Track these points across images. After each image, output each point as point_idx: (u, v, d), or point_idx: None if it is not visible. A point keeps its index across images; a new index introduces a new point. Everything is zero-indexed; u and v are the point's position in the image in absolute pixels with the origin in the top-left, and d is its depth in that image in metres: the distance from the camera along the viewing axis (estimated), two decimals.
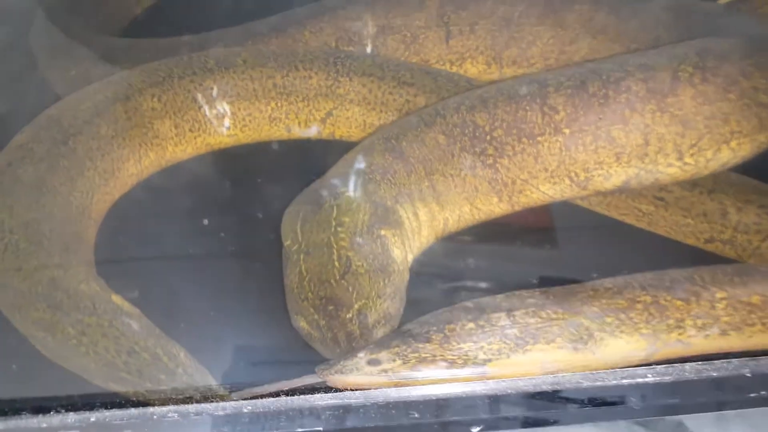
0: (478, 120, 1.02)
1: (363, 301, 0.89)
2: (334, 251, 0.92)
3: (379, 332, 0.89)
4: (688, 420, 1.04)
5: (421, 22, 1.34)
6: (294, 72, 1.24)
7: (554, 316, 0.82)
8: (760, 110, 0.97)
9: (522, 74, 1.28)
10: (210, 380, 0.89)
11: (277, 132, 1.29)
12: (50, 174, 1.06)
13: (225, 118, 1.25)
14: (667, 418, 1.06)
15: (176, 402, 0.82)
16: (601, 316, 0.82)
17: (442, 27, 1.33)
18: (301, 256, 0.93)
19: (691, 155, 0.98)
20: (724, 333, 0.82)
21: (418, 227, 1.04)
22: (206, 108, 1.23)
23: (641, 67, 0.97)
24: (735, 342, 0.83)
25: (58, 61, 1.37)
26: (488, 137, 1.01)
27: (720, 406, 0.84)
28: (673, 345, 0.82)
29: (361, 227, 0.95)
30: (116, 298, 0.95)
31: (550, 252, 1.13)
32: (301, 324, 0.91)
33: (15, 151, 1.08)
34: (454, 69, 1.33)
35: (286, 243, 0.97)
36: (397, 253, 0.97)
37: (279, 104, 1.25)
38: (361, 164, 1.04)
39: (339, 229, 0.94)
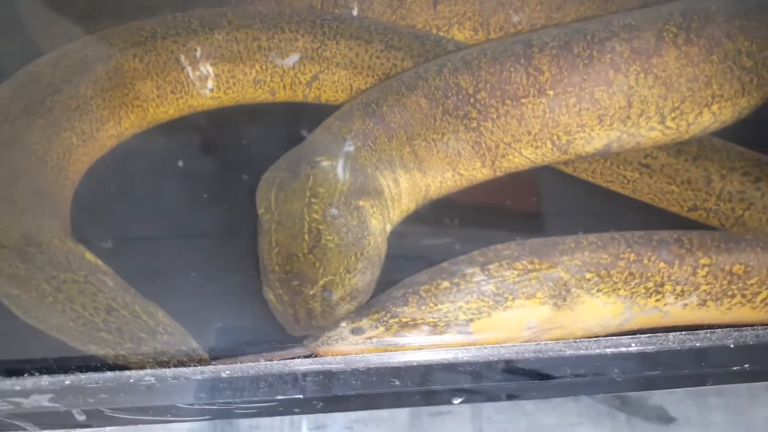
0: (462, 82, 0.99)
1: (330, 277, 0.86)
2: (305, 223, 0.89)
3: (344, 309, 0.87)
4: (671, 407, 1.04)
5: None
6: (280, 34, 1.20)
7: (530, 267, 0.79)
8: (742, 74, 0.96)
9: None
10: (191, 341, 0.87)
11: (262, 95, 1.25)
12: (26, 132, 1.03)
13: (208, 79, 1.21)
14: (650, 404, 1.06)
15: (158, 366, 0.81)
16: (581, 270, 0.80)
17: None
18: (273, 226, 0.90)
19: (673, 119, 0.97)
20: (702, 303, 0.81)
21: (399, 195, 1.02)
22: (189, 69, 1.19)
23: (626, 27, 0.95)
24: (713, 314, 0.82)
25: (43, 17, 1.34)
26: (472, 100, 0.99)
27: (703, 380, 0.84)
28: (650, 312, 0.81)
29: (337, 198, 0.92)
30: (90, 256, 0.93)
31: (531, 219, 1.12)
32: (269, 296, 0.88)
33: None
34: (441, 34, 1.31)
35: (260, 211, 0.94)
36: (374, 224, 0.94)
37: (264, 67, 1.22)
38: (340, 130, 1.01)
39: (313, 200, 0.91)
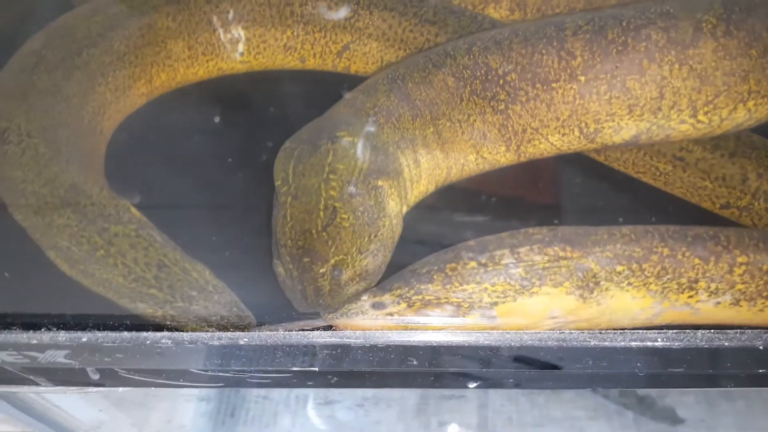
0: (491, 62, 0.97)
1: (341, 256, 0.84)
2: (322, 200, 0.87)
3: (352, 289, 0.85)
4: (680, 409, 1.03)
5: None
6: (313, 1, 1.19)
7: (562, 254, 0.77)
8: None
9: None
10: (238, 302, 0.85)
11: (292, 62, 1.23)
12: (65, 83, 1.02)
13: (239, 43, 1.20)
14: (658, 405, 1.04)
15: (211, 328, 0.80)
16: (613, 262, 0.77)
17: None
18: (289, 199, 0.88)
19: (706, 113, 0.94)
20: (736, 302, 0.79)
21: (419, 176, 0.99)
22: (221, 31, 1.18)
23: (663, 15, 0.92)
24: (745, 314, 0.80)
25: None
26: (501, 81, 0.96)
27: (727, 382, 0.83)
28: (680, 308, 0.79)
29: (356, 176, 0.90)
30: (135, 211, 0.91)
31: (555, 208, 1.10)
32: (279, 269, 0.87)
33: (28, 57, 1.04)
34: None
35: (277, 182, 0.92)
36: (391, 205, 0.92)
37: (295, 33, 1.20)
38: (364, 104, 0.99)
39: (331, 176, 0.89)
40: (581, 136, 0.98)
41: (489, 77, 0.97)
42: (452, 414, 1.11)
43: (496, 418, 1.08)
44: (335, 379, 0.84)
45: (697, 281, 0.78)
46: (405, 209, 0.97)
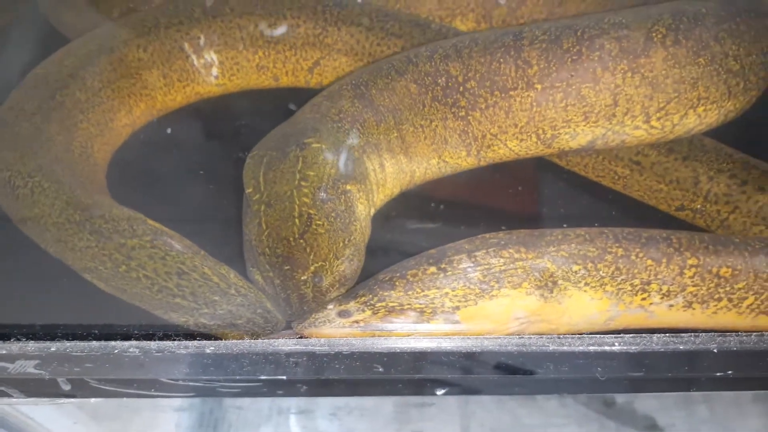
0: (452, 70, 0.98)
1: (320, 263, 0.86)
2: (296, 207, 0.88)
3: (333, 295, 0.86)
4: (660, 416, 1.04)
5: None
6: (281, 20, 1.20)
7: (517, 255, 0.78)
8: (729, 77, 0.96)
9: None
10: (265, 303, 0.85)
11: (266, 81, 1.25)
12: (45, 125, 1.05)
13: (213, 67, 1.21)
14: (639, 413, 1.05)
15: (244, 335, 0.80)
16: (569, 262, 0.78)
17: None
18: (263, 208, 0.89)
19: (658, 119, 0.96)
20: (688, 305, 0.80)
21: (384, 179, 1.01)
22: (194, 57, 1.20)
23: (616, 25, 0.94)
24: (699, 317, 0.81)
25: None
26: (461, 88, 0.98)
27: (687, 386, 0.84)
28: (635, 311, 0.80)
29: (326, 182, 0.91)
30: (152, 222, 0.92)
31: (522, 213, 1.11)
32: (256, 277, 0.87)
33: (7, 112, 1.07)
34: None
35: (248, 190, 0.92)
36: (360, 209, 0.93)
37: (266, 53, 1.22)
38: (329, 110, 1.00)
39: (303, 183, 0.90)
40: (539, 142, 1.00)
41: (449, 84, 0.99)
42: (431, 421, 1.12)
43: (477, 422, 1.09)
44: (304, 387, 0.85)
45: (649, 283, 0.78)
46: (372, 211, 0.99)
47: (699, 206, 1.02)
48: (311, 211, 0.88)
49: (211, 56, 1.21)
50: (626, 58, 0.93)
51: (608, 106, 0.95)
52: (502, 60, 0.96)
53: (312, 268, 0.85)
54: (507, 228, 0.84)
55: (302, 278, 0.85)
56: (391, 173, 1.02)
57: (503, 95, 0.97)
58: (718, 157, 1.03)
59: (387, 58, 1.08)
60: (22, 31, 1.26)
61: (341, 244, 0.87)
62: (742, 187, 1.00)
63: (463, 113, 0.99)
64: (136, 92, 1.18)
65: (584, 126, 0.97)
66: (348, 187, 0.92)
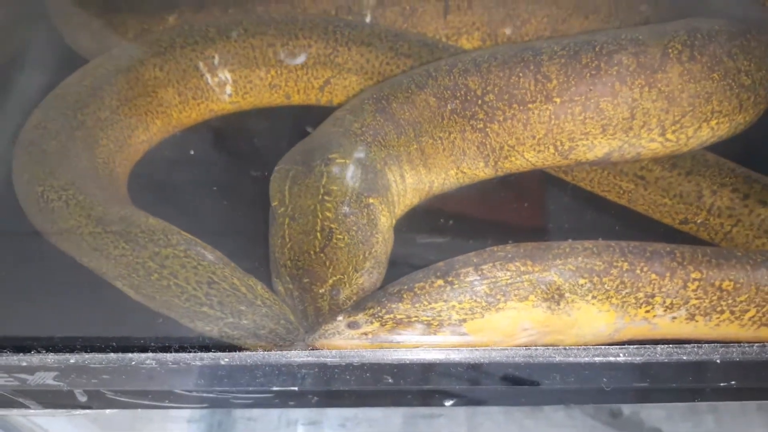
0: (471, 83, 1.00)
1: (338, 276, 0.88)
2: (318, 221, 0.90)
3: None
4: (667, 427, 1.04)
5: None
6: (294, 40, 1.23)
7: (524, 269, 0.79)
8: (740, 91, 0.98)
9: None
10: (289, 315, 0.87)
11: (278, 99, 1.27)
12: (70, 143, 1.08)
13: (227, 85, 1.24)
14: (646, 424, 1.06)
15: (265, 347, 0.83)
16: (575, 275, 0.79)
17: (440, 1, 1.30)
18: (287, 221, 0.92)
19: (673, 131, 0.98)
20: (691, 317, 0.81)
21: (404, 190, 1.03)
22: (208, 76, 1.23)
23: (633, 41, 0.96)
24: (702, 329, 0.82)
25: (71, 14, 1.39)
26: (480, 101, 1.00)
27: (691, 396, 0.85)
28: (639, 323, 0.81)
29: (349, 196, 0.93)
30: (184, 233, 0.95)
31: (530, 227, 1.13)
32: (279, 287, 0.90)
33: (32, 131, 1.10)
34: (450, 44, 1.33)
35: (274, 203, 0.95)
36: (383, 221, 0.95)
37: (279, 72, 1.25)
38: (351, 124, 1.02)
39: (326, 198, 0.92)
40: (556, 153, 1.02)
41: (468, 97, 1.01)
42: None
43: None
44: (315, 398, 0.86)
45: (653, 296, 0.79)
46: (393, 221, 1.01)
47: (702, 220, 1.04)
48: (333, 226, 0.90)
49: (225, 75, 1.24)
50: (644, 73, 0.95)
51: (625, 119, 0.97)
52: (521, 74, 0.98)
53: (330, 281, 0.87)
54: (515, 241, 0.85)
55: (320, 291, 0.87)
56: (411, 184, 1.04)
57: (522, 108, 0.99)
58: (721, 171, 1.05)
59: (407, 72, 1.11)
60: (41, 53, 1.29)
61: (361, 257, 0.89)
62: (744, 200, 1.02)
63: (482, 125, 1.01)
64: (153, 109, 1.21)
65: (602, 138, 0.99)
66: (371, 201, 0.94)
